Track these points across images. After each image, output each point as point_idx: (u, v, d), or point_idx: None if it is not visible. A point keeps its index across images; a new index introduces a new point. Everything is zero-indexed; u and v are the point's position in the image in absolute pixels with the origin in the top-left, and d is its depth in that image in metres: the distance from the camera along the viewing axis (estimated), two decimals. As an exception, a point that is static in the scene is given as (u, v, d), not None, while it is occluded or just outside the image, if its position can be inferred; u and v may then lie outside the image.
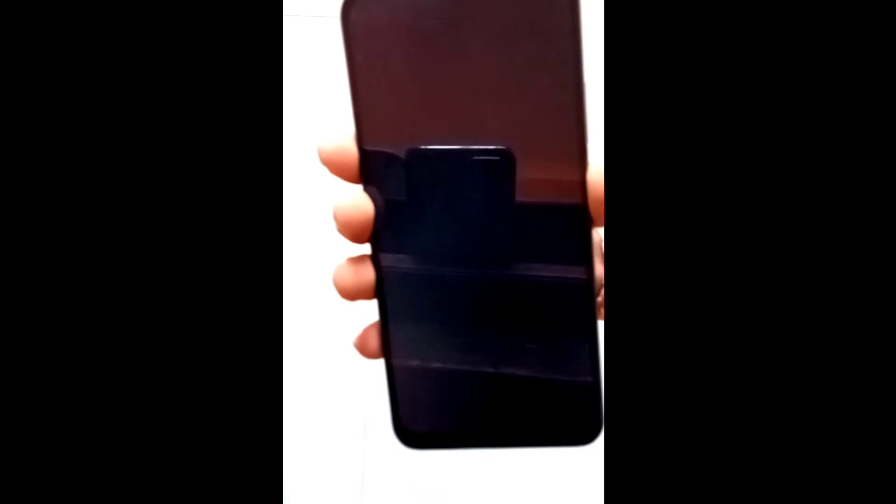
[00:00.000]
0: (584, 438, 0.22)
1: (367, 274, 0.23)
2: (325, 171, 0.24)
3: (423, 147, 0.22)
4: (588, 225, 0.22)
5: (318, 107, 0.68)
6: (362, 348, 0.24)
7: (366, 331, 0.24)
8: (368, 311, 0.25)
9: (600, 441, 0.23)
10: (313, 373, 0.70)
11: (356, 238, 0.23)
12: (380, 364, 0.25)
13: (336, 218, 0.23)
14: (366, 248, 0.24)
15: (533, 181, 0.21)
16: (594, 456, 0.69)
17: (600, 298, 0.32)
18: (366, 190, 0.22)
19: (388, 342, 0.23)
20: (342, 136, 0.22)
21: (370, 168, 0.22)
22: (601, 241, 0.31)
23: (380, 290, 0.23)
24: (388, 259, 0.22)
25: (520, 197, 0.21)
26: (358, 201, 0.22)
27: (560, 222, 0.21)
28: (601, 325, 0.33)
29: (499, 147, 0.21)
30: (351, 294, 0.23)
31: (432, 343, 0.22)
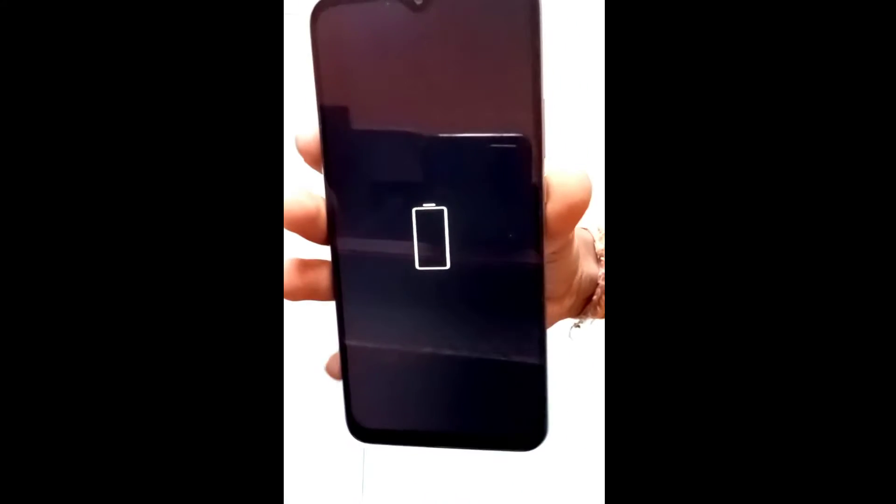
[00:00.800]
0: (527, 445, 0.22)
1: (316, 276, 0.23)
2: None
3: (375, 129, 0.22)
4: (540, 214, 0.21)
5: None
6: (331, 371, 0.25)
7: (333, 357, 0.25)
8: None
9: (601, 444, 0.23)
10: (313, 373, 0.70)
11: (302, 233, 0.23)
12: None
13: (285, 214, 0.23)
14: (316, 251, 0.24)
15: (487, 169, 0.21)
16: (594, 461, 0.69)
17: (596, 297, 0.32)
18: (326, 180, 0.23)
19: (342, 338, 0.23)
20: (315, 128, 0.23)
21: (329, 160, 0.23)
22: (593, 240, 0.31)
23: (336, 278, 0.23)
24: (343, 248, 0.23)
25: (474, 184, 0.21)
26: (299, 197, 0.22)
27: (514, 210, 0.21)
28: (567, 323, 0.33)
29: (455, 135, 0.21)
30: (299, 295, 0.23)
31: (383, 339, 0.23)
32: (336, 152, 0.22)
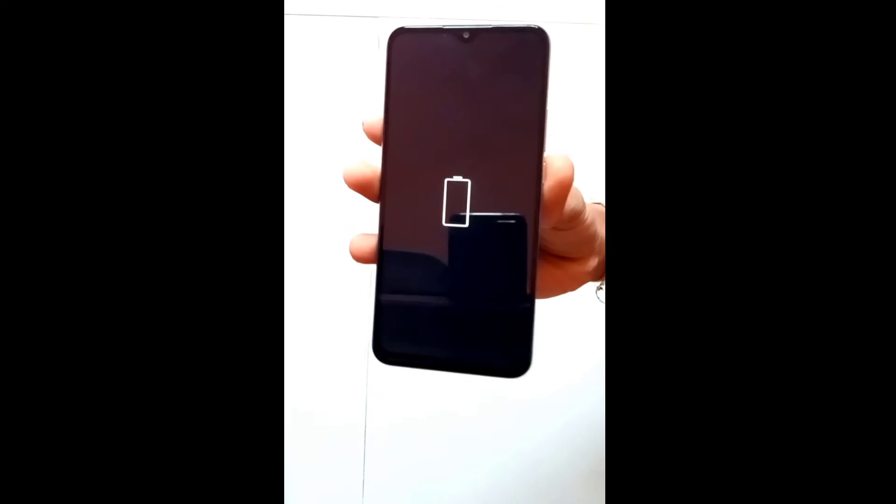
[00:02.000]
0: (513, 373, 0.28)
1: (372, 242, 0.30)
2: (326, 170, 0.25)
3: (424, 123, 0.30)
4: (539, 189, 0.28)
5: (318, 105, 0.69)
6: (355, 252, 0.30)
7: (359, 237, 0.30)
8: (364, 314, 0.28)
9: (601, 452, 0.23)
10: (315, 374, 0.70)
11: (361, 191, 0.29)
12: (380, 366, 0.29)
13: (347, 178, 0.29)
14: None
15: (503, 156, 0.29)
16: (594, 468, 0.69)
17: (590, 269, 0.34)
18: (384, 154, 0.30)
19: (379, 278, 0.30)
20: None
21: (388, 139, 0.30)
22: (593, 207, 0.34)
23: (380, 232, 0.30)
24: (388, 207, 0.30)
25: (492, 165, 0.29)
26: (359, 165, 0.29)
27: (520, 184, 0.28)
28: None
29: (481, 133, 0.29)
30: (365, 258, 0.30)
31: (411, 281, 0.30)
32: (394, 135, 0.30)
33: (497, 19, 0.28)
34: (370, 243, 0.30)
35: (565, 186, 0.27)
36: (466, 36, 0.29)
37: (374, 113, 0.30)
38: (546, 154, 0.28)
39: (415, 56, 0.30)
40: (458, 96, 0.29)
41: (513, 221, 0.28)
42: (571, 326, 0.64)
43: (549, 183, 0.28)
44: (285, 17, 0.72)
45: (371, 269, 0.30)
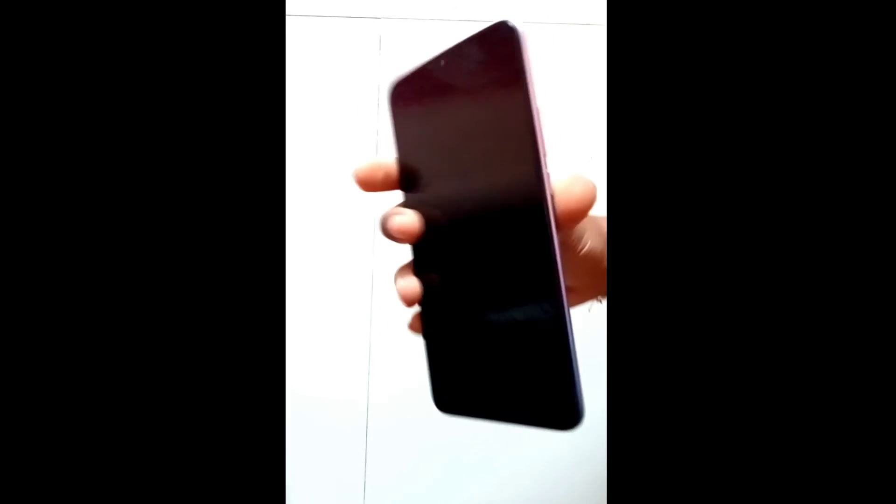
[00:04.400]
0: (566, 426, 0.26)
1: (414, 285, 0.30)
2: (327, 168, 0.25)
3: (424, 149, 0.30)
4: (549, 227, 0.25)
5: (319, 105, 0.69)
6: (413, 328, 0.31)
7: (415, 317, 0.31)
8: (365, 313, 0.26)
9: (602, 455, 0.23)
10: (315, 375, 0.70)
11: (409, 241, 0.30)
12: (380, 366, 0.28)
13: (391, 229, 0.29)
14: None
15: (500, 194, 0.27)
16: (596, 474, 0.69)
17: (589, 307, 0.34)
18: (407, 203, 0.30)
19: (426, 330, 0.31)
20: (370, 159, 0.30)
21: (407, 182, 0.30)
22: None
23: (423, 303, 0.30)
24: (426, 275, 0.30)
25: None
26: (408, 215, 0.29)
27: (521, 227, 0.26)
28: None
29: (469, 166, 0.28)
30: (410, 301, 0.30)
31: (455, 339, 0.29)
32: (408, 181, 0.30)
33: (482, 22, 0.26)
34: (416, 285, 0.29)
35: (578, 215, 0.25)
36: (443, 63, 0.28)
37: (365, 162, 0.29)
38: (564, 177, 0.26)
39: (411, 100, 0.29)
40: (454, 126, 0.28)
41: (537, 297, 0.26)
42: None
43: (562, 208, 0.25)
44: (287, 17, 0.73)
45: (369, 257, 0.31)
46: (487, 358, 0.28)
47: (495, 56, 0.25)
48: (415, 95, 0.29)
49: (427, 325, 0.30)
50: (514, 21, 0.25)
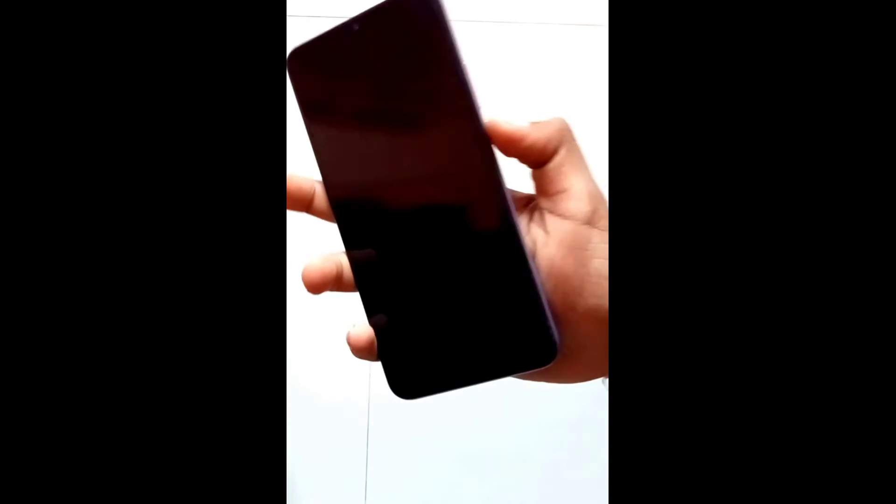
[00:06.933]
0: (543, 361, 0.26)
1: (332, 268, 0.29)
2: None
3: (349, 126, 0.28)
4: (495, 165, 0.26)
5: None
6: (354, 344, 0.29)
7: (355, 332, 0.29)
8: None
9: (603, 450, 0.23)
10: (316, 375, 0.70)
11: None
12: (378, 366, 0.29)
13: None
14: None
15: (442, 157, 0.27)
16: (597, 469, 0.69)
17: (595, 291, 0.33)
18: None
19: (369, 317, 0.29)
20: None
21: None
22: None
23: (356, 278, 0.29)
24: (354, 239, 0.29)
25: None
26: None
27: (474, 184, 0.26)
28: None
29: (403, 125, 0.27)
30: (318, 286, 0.29)
31: (402, 309, 0.28)
32: (323, 155, 0.30)
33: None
34: (367, 333, 0.28)
35: (515, 142, 0.26)
36: (356, 27, 0.27)
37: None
38: (489, 119, 0.26)
39: (318, 72, 0.28)
40: (377, 94, 0.27)
41: (486, 224, 0.26)
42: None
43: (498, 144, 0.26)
44: (287, 18, 0.72)
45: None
46: (449, 319, 0.27)
47: (415, 15, 0.26)
48: (326, 66, 0.28)
49: (374, 307, 0.29)
50: None
